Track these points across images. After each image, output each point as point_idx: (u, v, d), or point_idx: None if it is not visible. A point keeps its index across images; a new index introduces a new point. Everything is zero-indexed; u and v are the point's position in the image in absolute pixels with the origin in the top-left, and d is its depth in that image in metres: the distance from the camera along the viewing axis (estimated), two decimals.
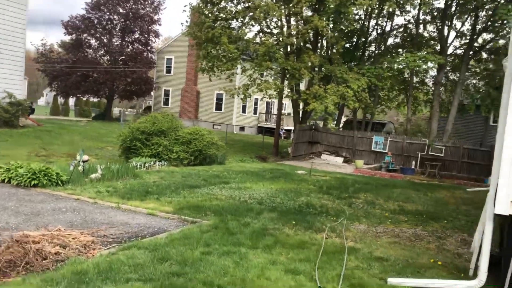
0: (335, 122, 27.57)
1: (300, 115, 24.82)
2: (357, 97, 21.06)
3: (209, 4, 23.48)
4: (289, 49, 22.53)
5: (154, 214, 7.49)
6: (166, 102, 41.84)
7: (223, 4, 23.71)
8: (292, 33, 20.95)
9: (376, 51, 28.03)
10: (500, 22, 23.23)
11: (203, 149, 16.34)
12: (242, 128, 39.26)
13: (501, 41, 25.85)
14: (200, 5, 23.76)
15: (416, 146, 23.22)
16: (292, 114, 39.89)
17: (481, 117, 28.31)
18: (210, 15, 23.07)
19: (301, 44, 21.44)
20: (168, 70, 41.81)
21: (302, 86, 26.15)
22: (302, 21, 21.56)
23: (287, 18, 22.75)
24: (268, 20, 23.08)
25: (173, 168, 14.05)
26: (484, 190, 14.98)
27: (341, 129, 28.88)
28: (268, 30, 23.76)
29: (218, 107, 39.27)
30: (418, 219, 8.61)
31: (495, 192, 3.99)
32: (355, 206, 9.47)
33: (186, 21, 25.88)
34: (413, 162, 22.72)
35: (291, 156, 23.40)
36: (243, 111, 39.35)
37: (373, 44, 28.93)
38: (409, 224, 8.12)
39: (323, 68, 22.93)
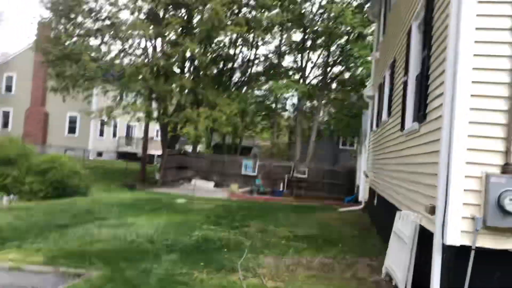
0: (205, 147, 27.24)
1: (169, 140, 23.77)
2: (230, 122, 21.09)
3: (63, 18, 21.07)
4: (155, 70, 21.49)
5: (20, 268, 5.82)
6: (5, 125, 36.06)
7: (80, 19, 21.55)
8: (159, 55, 20.06)
9: (242, 78, 28.82)
10: (348, 57, 26.15)
11: (64, 179, 14.16)
12: (100, 154, 36.05)
13: (347, 74, 29.14)
14: (52, 18, 21.19)
15: (283, 169, 24.19)
16: (155, 138, 38.32)
17: (334, 141, 31.24)
18: (64, 30, 20.70)
19: (171, 66, 20.65)
20: (8, 89, 36.29)
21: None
22: (171, 43, 20.85)
23: (155, 39, 21.75)
24: (132, 39, 21.74)
25: (29, 204, 11.71)
26: (353, 210, 16.18)
27: (211, 153, 28.65)
28: (131, 51, 22.38)
29: (72, 130, 35.47)
30: (316, 245, 8.54)
31: (442, 221, 3.91)
32: (251, 236, 9.01)
33: (35, 36, 22.83)
34: (281, 184, 23.56)
35: (160, 183, 22.08)
36: (101, 134, 36.27)
37: (238, 71, 29.73)
38: (310, 251, 7.96)
39: (194, 92, 22.43)
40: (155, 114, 22.27)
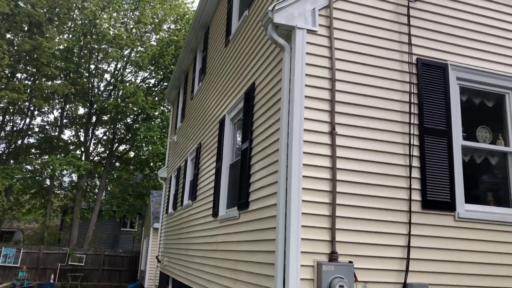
0: None
1: None
2: None
3: None
4: None
5: None
6: None
7: None
8: None
9: (10, 150, 24.81)
10: (135, 136, 25.97)
11: None
12: None
13: (132, 153, 28.74)
14: None
15: (55, 257, 21.05)
16: None
17: (115, 222, 29.36)
18: None
19: None
20: None
21: None
22: None
23: None
24: None
25: None
26: None
27: None
28: None
29: None
30: None
31: None
32: None
33: None
34: (52, 275, 20.27)
35: None
36: None
37: (3, 142, 25.51)
38: None
39: None
40: None
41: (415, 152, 4.60)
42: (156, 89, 26.33)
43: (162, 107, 25.45)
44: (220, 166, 7.07)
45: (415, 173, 4.55)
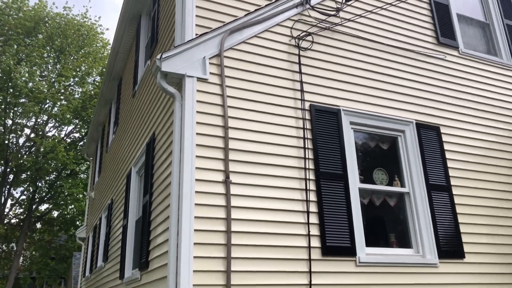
0: None
1: None
2: None
3: None
4: None
5: None
6: None
7: None
8: None
9: None
10: (57, 194, 24.29)
11: None
12: None
13: (56, 213, 26.77)
14: None
15: None
16: None
17: None
18: None
19: None
20: None
21: None
22: None
23: None
24: None
25: None
26: None
27: None
28: None
29: None
30: None
31: None
32: None
33: None
34: None
35: None
36: None
37: None
38: None
39: None
40: None
41: (312, 197, 4.53)
42: (81, 143, 25.14)
43: (88, 162, 24.21)
44: (127, 223, 6.60)
45: (314, 219, 4.45)
